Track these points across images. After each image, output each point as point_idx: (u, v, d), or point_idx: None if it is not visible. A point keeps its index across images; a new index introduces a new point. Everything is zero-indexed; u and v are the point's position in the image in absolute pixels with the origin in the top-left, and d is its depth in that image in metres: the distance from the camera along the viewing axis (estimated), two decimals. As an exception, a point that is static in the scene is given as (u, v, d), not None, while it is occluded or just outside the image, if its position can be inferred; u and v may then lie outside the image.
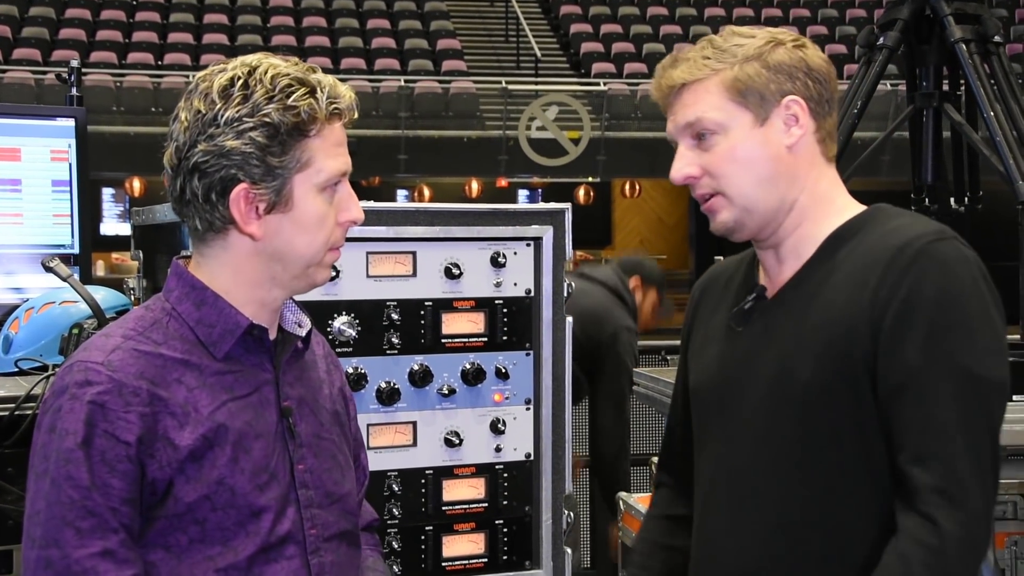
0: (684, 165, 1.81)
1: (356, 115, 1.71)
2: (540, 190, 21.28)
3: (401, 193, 20.90)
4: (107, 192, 20.10)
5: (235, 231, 1.66)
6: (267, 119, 1.61)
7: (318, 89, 1.66)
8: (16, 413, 2.34)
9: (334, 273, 2.32)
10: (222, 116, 1.61)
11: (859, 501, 1.72)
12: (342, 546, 1.76)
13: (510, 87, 17.46)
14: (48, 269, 2.65)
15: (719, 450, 1.87)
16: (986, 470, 1.64)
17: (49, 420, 1.60)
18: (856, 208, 1.83)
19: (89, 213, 3.26)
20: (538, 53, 18.72)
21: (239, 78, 1.64)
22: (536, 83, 18.04)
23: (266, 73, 1.64)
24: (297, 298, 1.79)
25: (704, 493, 1.90)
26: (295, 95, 1.63)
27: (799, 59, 1.79)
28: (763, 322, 1.83)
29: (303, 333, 1.77)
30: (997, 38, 3.75)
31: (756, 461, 1.79)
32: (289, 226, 1.66)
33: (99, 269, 16.31)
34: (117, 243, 18.34)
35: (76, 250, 3.16)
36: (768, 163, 1.78)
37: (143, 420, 1.58)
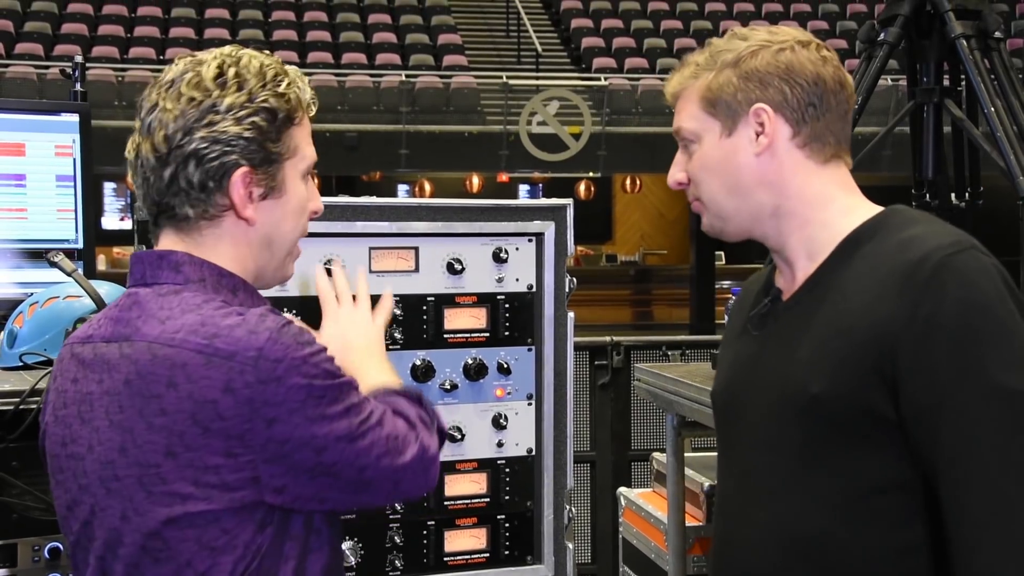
0: (675, 171, 1.87)
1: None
2: (541, 185, 21.30)
3: (402, 188, 20.91)
4: (108, 187, 20.11)
5: (230, 217, 1.67)
6: (265, 105, 1.65)
7: (297, 79, 1.72)
8: (21, 407, 2.35)
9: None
10: (221, 103, 1.63)
11: (864, 515, 1.67)
12: None
13: (511, 82, 17.45)
14: (52, 264, 2.65)
15: (732, 454, 1.88)
16: None
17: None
18: (869, 208, 1.79)
19: (93, 208, 3.26)
20: (539, 48, 18.71)
21: (229, 65, 1.66)
22: (537, 78, 18.04)
23: (251, 62, 1.68)
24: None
25: (720, 495, 1.91)
26: (283, 84, 1.68)
27: (779, 64, 1.76)
28: (778, 326, 1.82)
29: None
30: (998, 34, 3.76)
31: (763, 467, 1.77)
32: (279, 211, 1.70)
33: (100, 264, 16.32)
34: (118, 237, 18.42)
35: (80, 245, 3.16)
36: (735, 172, 1.79)
37: None
